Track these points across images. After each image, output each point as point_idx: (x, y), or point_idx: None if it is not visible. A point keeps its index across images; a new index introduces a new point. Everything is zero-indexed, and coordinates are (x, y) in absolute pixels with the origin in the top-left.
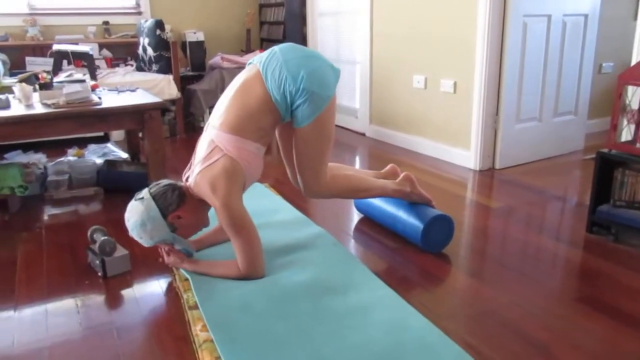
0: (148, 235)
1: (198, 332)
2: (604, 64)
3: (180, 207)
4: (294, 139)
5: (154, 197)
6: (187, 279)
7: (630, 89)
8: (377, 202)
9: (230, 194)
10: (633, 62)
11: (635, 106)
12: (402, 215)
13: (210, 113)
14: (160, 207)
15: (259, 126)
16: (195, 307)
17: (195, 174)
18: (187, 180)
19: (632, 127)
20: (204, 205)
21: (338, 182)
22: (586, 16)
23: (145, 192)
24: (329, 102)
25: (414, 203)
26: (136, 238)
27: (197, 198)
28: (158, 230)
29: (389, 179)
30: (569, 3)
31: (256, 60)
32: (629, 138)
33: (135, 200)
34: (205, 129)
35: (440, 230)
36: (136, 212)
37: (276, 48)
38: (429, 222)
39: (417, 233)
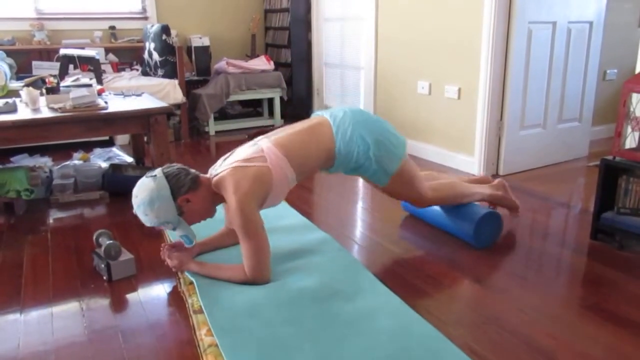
0: (154, 213)
1: (203, 336)
2: (608, 71)
3: (191, 191)
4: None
5: (167, 176)
6: (191, 283)
7: (635, 96)
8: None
9: (249, 196)
10: (638, 70)
11: (639, 113)
12: (456, 208)
13: (214, 118)
14: (171, 187)
15: (308, 165)
16: (200, 311)
17: (228, 163)
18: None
19: (637, 134)
20: (215, 199)
21: (442, 192)
22: (591, 23)
23: (158, 171)
24: (400, 164)
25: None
26: (140, 215)
27: (211, 190)
28: (165, 211)
29: (480, 183)
30: (574, 10)
31: (326, 114)
32: (634, 145)
33: (147, 177)
34: (255, 142)
35: (490, 227)
36: (146, 189)
37: (347, 110)
38: (486, 215)
39: (472, 222)
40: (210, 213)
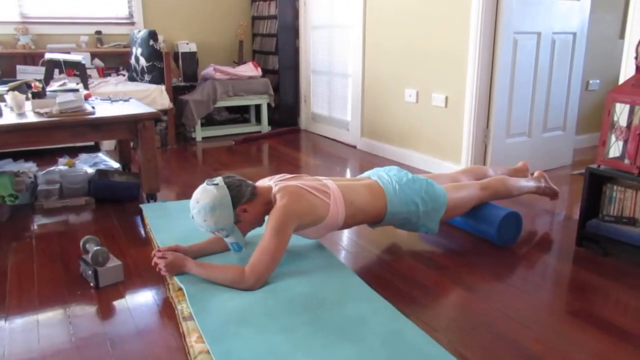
0: (214, 220)
1: (193, 343)
2: (591, 81)
3: (249, 202)
4: None
5: (229, 185)
6: (180, 289)
7: (619, 106)
8: None
9: (299, 211)
10: (621, 80)
11: (623, 123)
12: (481, 206)
13: (201, 124)
14: (232, 196)
15: (357, 217)
16: (190, 317)
17: (297, 182)
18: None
19: (620, 143)
20: (266, 208)
21: (492, 188)
22: (574, 34)
23: (219, 180)
24: (445, 210)
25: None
26: (199, 220)
27: (266, 200)
28: (224, 218)
29: (520, 174)
30: (558, 21)
31: (373, 177)
32: (617, 154)
33: (209, 184)
34: (316, 177)
35: (512, 226)
36: (209, 196)
37: (391, 172)
38: (509, 213)
39: (497, 219)
40: (261, 223)
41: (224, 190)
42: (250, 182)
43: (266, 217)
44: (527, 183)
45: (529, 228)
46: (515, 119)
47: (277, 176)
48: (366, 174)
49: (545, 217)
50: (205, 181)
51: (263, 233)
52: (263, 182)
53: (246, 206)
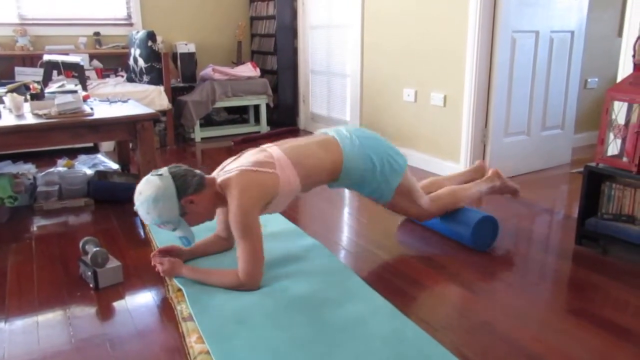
0: (157, 212)
1: (193, 343)
2: (589, 80)
3: (195, 192)
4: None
5: (174, 176)
6: (180, 290)
7: (617, 104)
8: None
9: (253, 203)
10: (619, 78)
11: (621, 121)
12: (458, 210)
13: (200, 124)
14: (177, 187)
15: (313, 177)
16: (190, 318)
17: (237, 166)
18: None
19: (619, 141)
20: (217, 200)
21: (441, 202)
22: (572, 33)
23: (164, 170)
24: (402, 177)
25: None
26: (142, 213)
27: (214, 191)
28: (168, 210)
29: (477, 175)
30: (556, 20)
31: (331, 132)
32: (616, 152)
33: (153, 175)
34: (264, 148)
35: (487, 231)
36: (152, 187)
37: (352, 129)
38: (484, 218)
39: (470, 224)
40: (212, 215)
41: (168, 181)
42: (198, 171)
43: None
44: (478, 188)
45: (528, 227)
46: (514, 117)
47: (222, 164)
48: (325, 130)
49: (544, 215)
50: (150, 172)
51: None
52: (213, 174)
53: (193, 197)
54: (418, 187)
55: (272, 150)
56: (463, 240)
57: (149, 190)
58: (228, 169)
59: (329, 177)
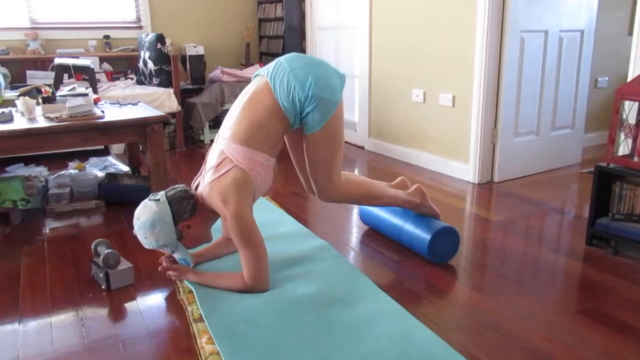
0: (154, 237)
1: (204, 344)
2: (599, 79)
3: (192, 217)
4: (305, 145)
5: (170, 201)
6: (191, 291)
7: (627, 103)
8: (383, 213)
9: (241, 205)
10: (629, 77)
11: (632, 120)
12: (409, 226)
13: (209, 126)
14: (174, 213)
15: (269, 137)
16: (200, 319)
17: (206, 183)
18: (197, 188)
19: (630, 141)
20: (212, 218)
21: (351, 187)
22: (582, 32)
23: (161, 195)
24: (337, 107)
25: (420, 215)
26: (140, 237)
27: (207, 209)
28: (165, 235)
29: (399, 188)
30: (565, 19)
31: (262, 72)
32: (627, 152)
33: (150, 200)
34: (215, 139)
35: (446, 241)
36: (149, 212)
37: (282, 58)
38: (436, 232)
39: (424, 244)
40: (208, 238)
41: (165, 207)
42: (191, 192)
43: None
44: (396, 194)
45: (538, 227)
46: (523, 117)
47: (195, 181)
48: (258, 70)
49: (555, 216)
50: (149, 196)
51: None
52: (197, 182)
53: (189, 222)
54: (343, 147)
55: (220, 144)
56: (421, 252)
57: (146, 216)
58: (202, 185)
59: (281, 125)
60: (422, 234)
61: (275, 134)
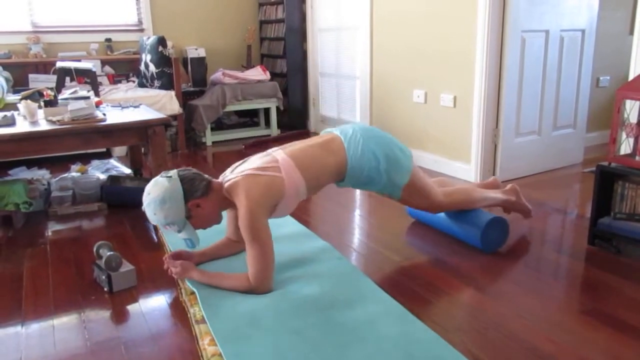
0: (163, 213)
1: (206, 346)
2: (601, 78)
3: (202, 196)
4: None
5: (182, 179)
6: (193, 293)
7: (629, 102)
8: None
9: (259, 203)
10: (631, 77)
11: (633, 120)
12: (463, 214)
13: (211, 128)
14: (185, 189)
15: (319, 179)
16: (203, 321)
17: (240, 171)
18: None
19: (631, 140)
20: (224, 203)
21: (455, 197)
22: (583, 31)
23: (174, 172)
24: (409, 175)
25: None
26: (149, 213)
27: (221, 196)
28: (174, 212)
29: (489, 188)
30: (566, 19)
31: (336, 131)
32: (628, 151)
33: (162, 176)
34: (266, 153)
35: (497, 232)
36: (160, 188)
37: (356, 127)
38: (493, 219)
39: (480, 226)
40: (217, 220)
41: (176, 183)
42: (206, 176)
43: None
44: (494, 195)
45: (540, 227)
46: (525, 117)
47: (229, 168)
48: (331, 129)
49: (557, 216)
50: (161, 173)
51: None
52: (219, 178)
53: (199, 201)
54: (428, 180)
55: (277, 153)
56: (473, 242)
57: (157, 192)
58: (232, 175)
59: (334, 177)
60: (479, 220)
61: (324, 181)
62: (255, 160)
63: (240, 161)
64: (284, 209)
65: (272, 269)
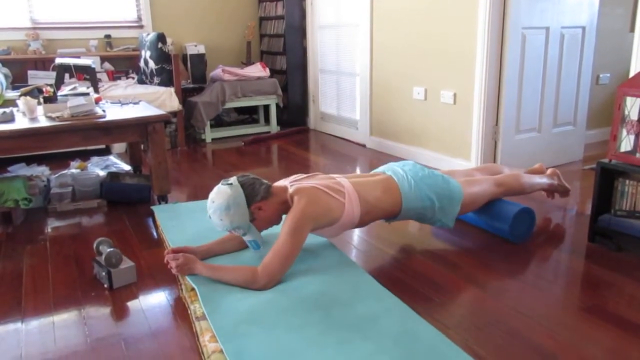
0: (229, 219)
1: (206, 342)
2: (601, 75)
3: (263, 200)
4: None
5: (243, 184)
6: (193, 289)
7: (630, 99)
8: None
9: (314, 215)
10: (631, 74)
11: (634, 117)
12: (495, 203)
13: (211, 125)
14: (247, 194)
15: (372, 214)
16: (203, 317)
17: (312, 182)
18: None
19: (632, 137)
20: (283, 207)
21: (508, 185)
22: (584, 28)
23: (234, 179)
24: (460, 204)
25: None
26: (215, 220)
27: (283, 198)
28: (239, 216)
29: (535, 174)
30: (566, 16)
31: (388, 172)
32: (629, 148)
33: (223, 184)
34: (330, 176)
35: (525, 222)
36: (223, 196)
37: (407, 168)
38: (522, 209)
39: (510, 215)
40: (278, 221)
41: (238, 189)
42: (265, 180)
43: (283, 217)
44: (540, 180)
45: (541, 224)
46: (525, 114)
47: (292, 177)
48: (380, 169)
49: (557, 213)
50: (221, 181)
51: (279, 233)
52: (279, 183)
53: (261, 204)
54: (475, 188)
55: (343, 180)
56: (501, 233)
57: (221, 199)
58: (304, 181)
59: (387, 215)
60: (508, 210)
61: (374, 217)
62: (323, 179)
63: (305, 175)
64: (330, 232)
65: (284, 271)
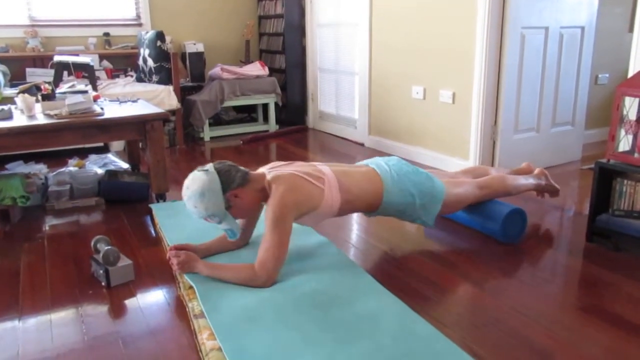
0: (204, 205)
1: (204, 340)
2: (599, 75)
3: (240, 187)
4: None
5: (219, 171)
6: (191, 287)
7: (628, 99)
8: None
9: (294, 203)
10: (630, 74)
11: (633, 117)
12: (487, 203)
13: (209, 124)
14: (222, 181)
15: (353, 204)
16: (201, 315)
17: (291, 169)
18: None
19: (630, 137)
20: (261, 195)
21: (492, 187)
22: (583, 28)
23: (210, 166)
24: (441, 204)
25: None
26: (190, 207)
27: (260, 186)
28: (214, 203)
29: (522, 174)
30: (566, 15)
31: (371, 165)
32: (627, 148)
33: (199, 171)
34: (311, 163)
35: (516, 223)
36: (198, 182)
37: (391, 163)
38: (513, 210)
39: (501, 216)
40: (256, 210)
41: (214, 176)
42: (242, 168)
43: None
44: (526, 181)
45: (539, 224)
46: (524, 114)
47: (271, 164)
48: (365, 161)
49: (555, 212)
50: (197, 168)
51: (264, 229)
52: (258, 171)
53: (237, 191)
54: (459, 189)
55: (323, 167)
56: (493, 233)
57: (195, 185)
58: (281, 168)
59: (367, 207)
60: (499, 211)
61: (355, 207)
62: (302, 166)
63: (285, 162)
64: (310, 220)
65: (281, 263)
